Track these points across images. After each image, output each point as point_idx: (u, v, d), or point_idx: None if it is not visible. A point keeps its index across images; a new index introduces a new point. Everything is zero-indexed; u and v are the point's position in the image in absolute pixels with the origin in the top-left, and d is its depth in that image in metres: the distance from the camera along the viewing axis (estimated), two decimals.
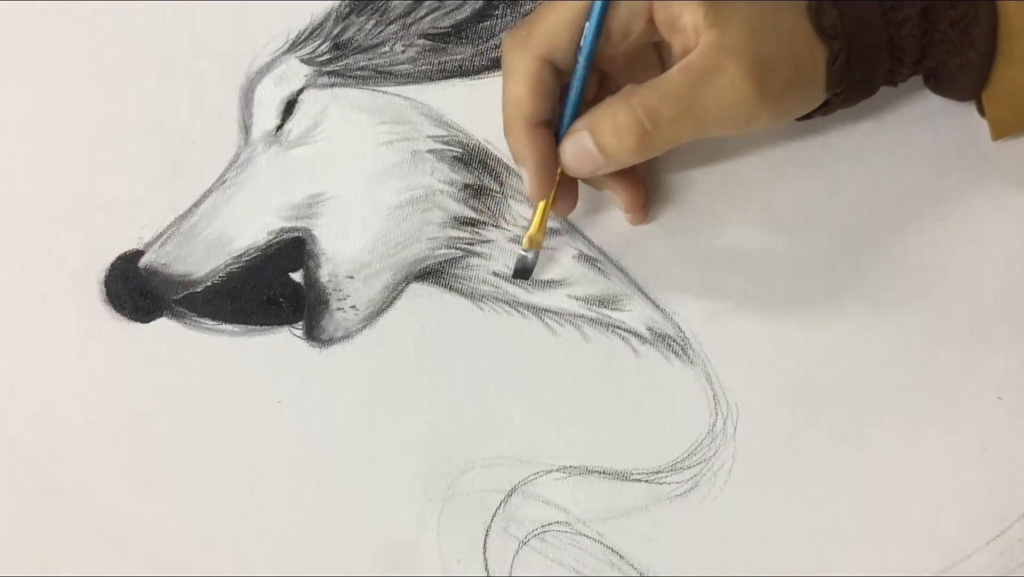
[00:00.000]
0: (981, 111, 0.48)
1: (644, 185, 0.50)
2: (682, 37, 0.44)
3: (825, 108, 0.47)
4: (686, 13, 0.43)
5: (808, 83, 0.45)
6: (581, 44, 0.45)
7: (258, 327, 0.52)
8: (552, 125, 0.47)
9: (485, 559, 0.49)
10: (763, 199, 0.51)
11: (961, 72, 0.46)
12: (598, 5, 0.45)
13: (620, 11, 0.45)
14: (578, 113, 0.46)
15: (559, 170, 0.47)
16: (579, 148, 0.45)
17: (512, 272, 0.51)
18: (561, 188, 0.48)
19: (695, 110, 0.43)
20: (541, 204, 0.48)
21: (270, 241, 0.52)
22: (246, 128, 0.54)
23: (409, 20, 0.54)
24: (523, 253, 0.50)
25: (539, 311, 0.51)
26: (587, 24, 0.45)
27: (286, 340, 0.52)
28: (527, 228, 0.49)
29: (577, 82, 0.46)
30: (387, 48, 0.54)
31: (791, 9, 0.44)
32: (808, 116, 0.48)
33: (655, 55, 0.48)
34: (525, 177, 0.47)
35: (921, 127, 0.51)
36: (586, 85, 0.46)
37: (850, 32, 0.44)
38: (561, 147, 0.46)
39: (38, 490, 0.51)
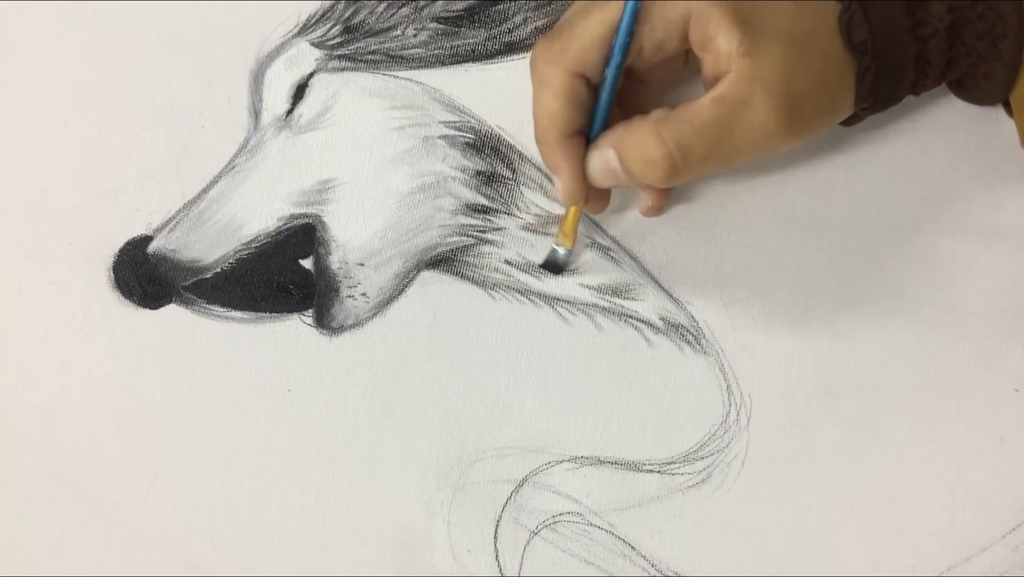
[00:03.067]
0: (1010, 113, 0.48)
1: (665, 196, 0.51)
2: (714, 58, 0.44)
3: (850, 120, 0.48)
4: (720, 37, 0.43)
5: (836, 108, 0.45)
6: (610, 57, 0.45)
7: (267, 314, 0.52)
8: (584, 132, 0.47)
9: (496, 549, 0.49)
10: (779, 189, 0.51)
11: (985, 81, 0.46)
12: (625, 26, 0.44)
13: (656, 30, 0.45)
14: (608, 121, 0.46)
15: None
16: (604, 165, 0.46)
17: (541, 263, 0.51)
18: (594, 189, 0.48)
19: (725, 147, 0.44)
20: (573, 208, 0.49)
21: (280, 227, 0.52)
22: (256, 113, 0.53)
23: (421, 3, 0.54)
24: (555, 247, 0.50)
25: (551, 300, 0.51)
26: (616, 40, 0.45)
27: (296, 327, 0.51)
28: (561, 223, 0.50)
29: (606, 95, 0.46)
30: (399, 32, 0.54)
31: (824, 32, 0.44)
32: None
33: (683, 56, 0.48)
34: (559, 184, 0.47)
35: (940, 123, 0.51)
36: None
37: (880, 48, 0.44)
38: (588, 159, 0.47)
39: (46, 478, 0.50)
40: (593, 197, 0.49)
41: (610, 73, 0.45)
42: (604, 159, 0.46)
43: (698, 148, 0.44)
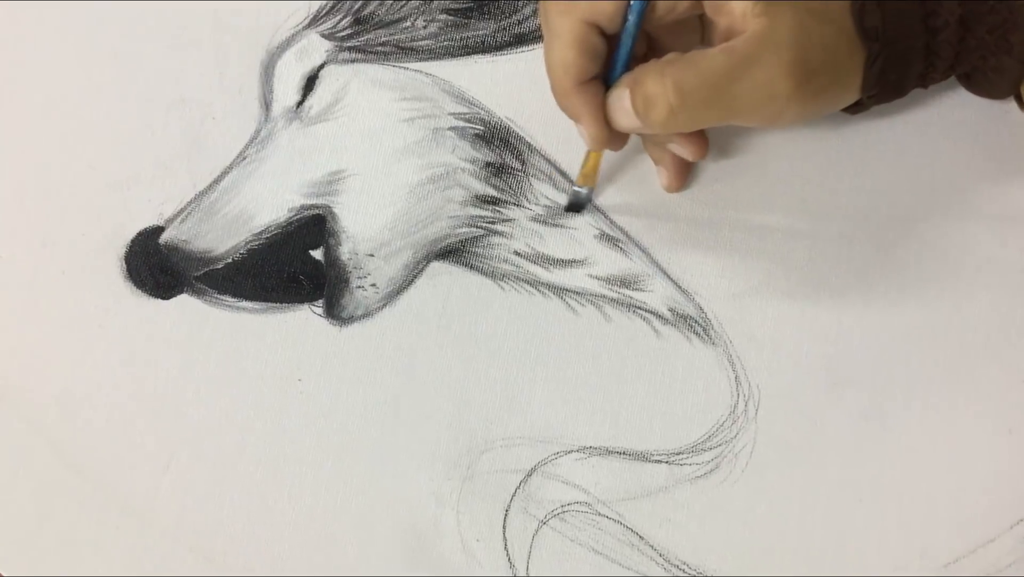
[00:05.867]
0: (1021, 105, 0.48)
1: (707, 136, 0.49)
2: (728, 20, 0.44)
3: (855, 107, 0.47)
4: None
5: (843, 86, 0.45)
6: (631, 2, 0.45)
7: (278, 305, 0.52)
8: (600, 79, 0.46)
9: (505, 539, 0.49)
10: (787, 181, 0.51)
11: (995, 74, 0.46)
12: None
13: None
14: (628, 65, 0.46)
15: None
16: (619, 104, 0.45)
17: (565, 206, 0.51)
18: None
19: (727, 97, 0.43)
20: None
21: (290, 218, 0.52)
22: (267, 104, 0.54)
23: None
24: (576, 189, 0.51)
25: (560, 291, 0.51)
26: None
27: (306, 318, 0.52)
28: (581, 167, 0.50)
29: (627, 39, 0.45)
30: (408, 23, 0.54)
31: (838, 11, 0.43)
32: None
33: (698, 22, 0.48)
34: (583, 132, 0.47)
35: (948, 113, 0.51)
36: (636, 42, 0.46)
37: (890, 35, 0.44)
38: (607, 101, 0.46)
39: (60, 466, 0.51)
40: (617, 136, 0.48)
41: (632, 17, 0.45)
42: (620, 99, 0.45)
43: (697, 93, 0.43)
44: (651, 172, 0.51)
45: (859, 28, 0.44)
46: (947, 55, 0.45)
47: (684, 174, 0.51)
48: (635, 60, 0.46)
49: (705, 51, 0.43)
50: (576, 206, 0.51)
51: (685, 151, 0.49)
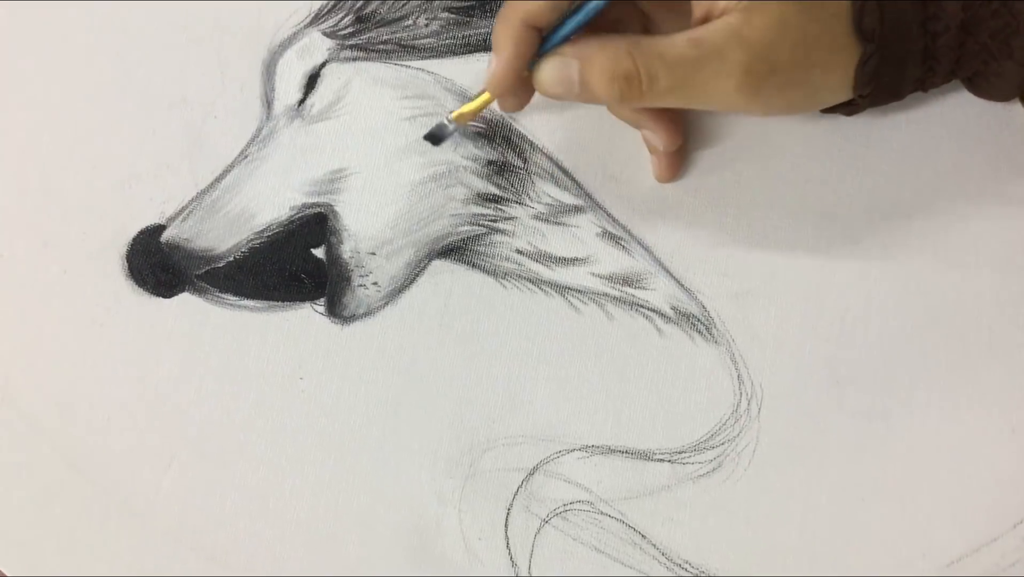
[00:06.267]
0: None
1: (682, 127, 0.50)
2: (707, 7, 0.44)
3: (850, 108, 0.47)
4: None
5: (817, 85, 0.45)
6: None
7: (280, 303, 0.52)
8: (543, 32, 0.46)
9: (507, 537, 0.49)
10: (790, 179, 0.51)
11: (998, 79, 0.46)
12: None
13: None
14: (572, 35, 0.45)
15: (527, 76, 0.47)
16: (562, 72, 0.45)
17: (424, 134, 0.51)
18: (518, 87, 0.47)
19: (688, 86, 0.44)
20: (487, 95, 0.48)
21: (292, 217, 0.52)
22: (268, 102, 0.54)
23: None
24: (446, 123, 0.50)
25: (562, 289, 0.51)
26: None
27: (308, 316, 0.51)
28: (468, 102, 0.49)
29: (592, 3, 0.45)
30: (410, 21, 0.54)
31: (832, 10, 0.43)
32: (831, 111, 0.48)
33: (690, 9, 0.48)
34: (492, 66, 0.46)
35: (951, 113, 0.51)
36: (599, 15, 0.45)
37: (887, 37, 0.43)
38: (541, 63, 0.46)
39: (61, 465, 0.51)
40: (514, 93, 0.48)
41: None
42: (565, 67, 0.45)
43: (663, 80, 0.43)
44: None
45: (856, 28, 0.43)
46: (947, 60, 0.45)
47: (676, 164, 0.51)
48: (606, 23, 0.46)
49: (672, 37, 0.44)
50: (434, 139, 0.51)
51: (657, 139, 0.49)
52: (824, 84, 0.45)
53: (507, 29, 0.46)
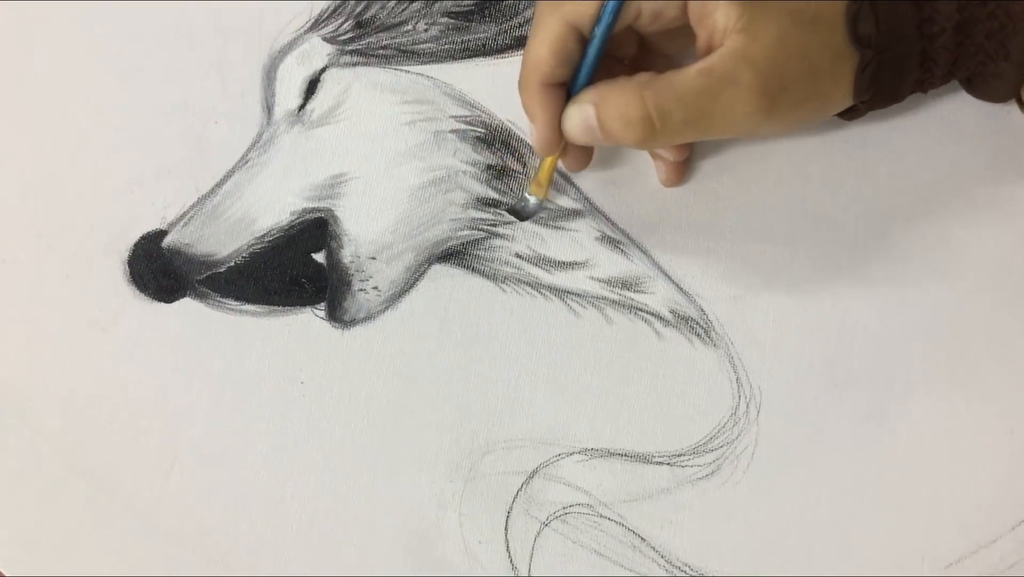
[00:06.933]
0: (1022, 108, 0.48)
1: (688, 144, 0.50)
2: (708, 33, 0.44)
3: (850, 113, 0.47)
4: (720, 12, 0.43)
5: (825, 96, 0.45)
6: (601, 15, 0.45)
7: (281, 308, 0.52)
8: (567, 86, 0.46)
9: (507, 540, 0.49)
10: (789, 183, 0.51)
11: (995, 79, 0.46)
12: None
13: None
14: (592, 79, 0.46)
15: None
16: (582, 120, 0.45)
17: (508, 208, 0.51)
18: (575, 146, 0.48)
19: (704, 117, 0.43)
20: (549, 159, 0.48)
21: (293, 221, 0.52)
22: (269, 108, 0.54)
23: None
24: (526, 196, 0.50)
25: (562, 293, 0.51)
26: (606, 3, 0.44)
27: (308, 321, 0.52)
28: (535, 173, 0.49)
29: (593, 52, 0.45)
30: (410, 27, 0.54)
31: (829, 18, 0.43)
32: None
33: (691, 31, 0.48)
34: (533, 133, 0.47)
35: (949, 115, 0.51)
36: (604, 54, 0.46)
37: (883, 42, 0.44)
38: (566, 112, 0.46)
39: (64, 469, 0.51)
40: (573, 155, 0.49)
41: (599, 31, 0.45)
42: (583, 114, 0.45)
43: (677, 115, 0.43)
44: (652, 174, 0.51)
45: (852, 34, 0.43)
46: (944, 61, 0.45)
47: (681, 170, 0.51)
48: (619, 64, 0.47)
49: (681, 72, 0.44)
50: (519, 213, 0.51)
51: (667, 152, 0.50)
52: (832, 93, 0.45)
53: (530, 96, 0.46)
